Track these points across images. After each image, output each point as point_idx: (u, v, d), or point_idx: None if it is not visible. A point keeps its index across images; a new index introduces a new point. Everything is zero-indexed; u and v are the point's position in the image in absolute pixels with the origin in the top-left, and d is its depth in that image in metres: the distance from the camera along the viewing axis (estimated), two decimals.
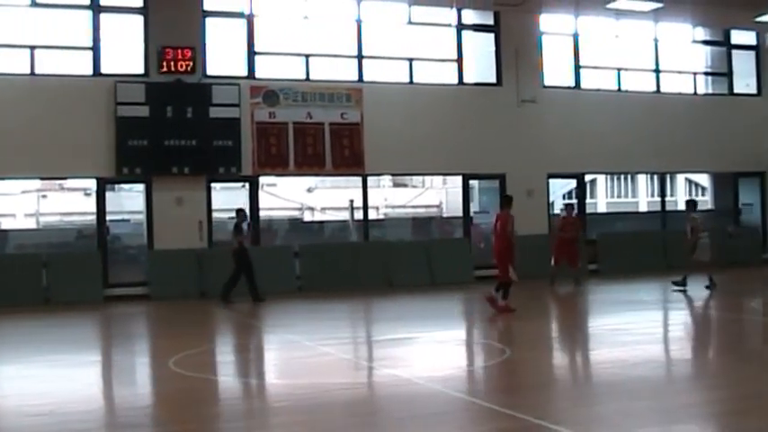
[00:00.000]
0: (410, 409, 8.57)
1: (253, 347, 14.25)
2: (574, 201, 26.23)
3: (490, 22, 24.46)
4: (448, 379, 10.15)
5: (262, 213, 22.68)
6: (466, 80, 24.17)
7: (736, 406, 8.45)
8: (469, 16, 24.35)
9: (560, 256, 21.69)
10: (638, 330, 14.38)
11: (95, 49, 20.92)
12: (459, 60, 24.11)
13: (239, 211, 20.16)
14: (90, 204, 21.84)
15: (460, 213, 24.54)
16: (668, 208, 28.60)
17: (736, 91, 28.20)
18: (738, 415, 8.12)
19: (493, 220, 17.03)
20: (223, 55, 22.04)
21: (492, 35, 24.49)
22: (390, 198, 36.02)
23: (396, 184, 37.83)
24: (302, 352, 12.81)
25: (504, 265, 16.24)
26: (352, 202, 27.98)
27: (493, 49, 24.46)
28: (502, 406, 8.47)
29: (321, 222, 32.32)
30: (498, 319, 15.63)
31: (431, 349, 12.99)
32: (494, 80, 24.42)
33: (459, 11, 23.79)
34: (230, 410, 9.20)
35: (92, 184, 21.67)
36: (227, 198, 24.26)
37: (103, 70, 20.88)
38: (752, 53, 28.47)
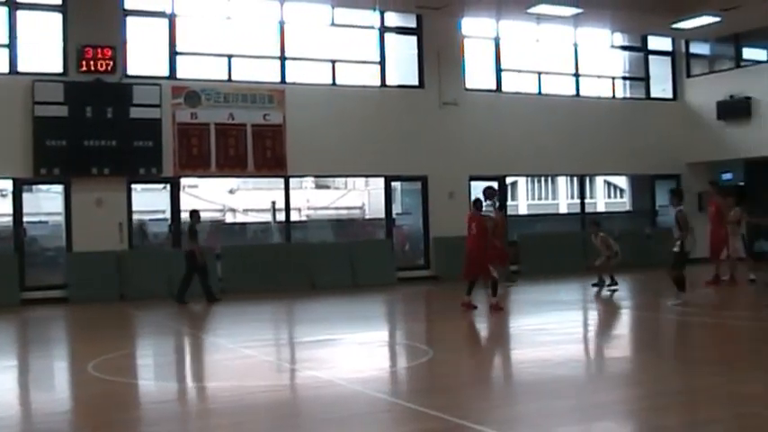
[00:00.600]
0: (332, 411, 8.56)
1: (174, 350, 14.11)
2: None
3: (413, 24, 24.58)
4: (370, 380, 10.17)
5: (183, 215, 22.48)
6: (388, 82, 24.27)
7: (655, 403, 8.58)
8: (392, 19, 24.47)
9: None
10: (559, 330, 14.57)
11: (12, 46, 20.53)
12: (382, 63, 24.20)
13: (194, 213, 20.01)
14: (6, 206, 21.37)
15: (383, 215, 24.63)
16: (587, 210, 29.03)
17: (652, 95, 28.82)
18: (656, 411, 8.25)
19: (466, 221, 17.10)
20: (144, 55, 21.79)
21: (414, 38, 24.64)
22: (313, 200, 35.98)
23: (318, 186, 37.80)
24: (224, 354, 12.72)
25: (485, 265, 16.38)
26: (274, 203, 27.91)
27: (415, 51, 24.61)
28: (424, 406, 8.49)
29: (243, 224, 32.19)
30: (419, 319, 15.70)
31: (353, 350, 12.99)
32: (416, 82, 24.57)
33: (381, 13, 23.87)
34: (151, 414, 9.08)
35: (8, 185, 21.19)
36: (148, 199, 24.01)
37: (20, 69, 20.51)
38: (668, 59, 29.11)
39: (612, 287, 19.66)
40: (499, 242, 16.67)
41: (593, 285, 19.93)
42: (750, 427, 7.68)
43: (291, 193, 23.66)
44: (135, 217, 21.63)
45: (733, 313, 16.35)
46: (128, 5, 21.54)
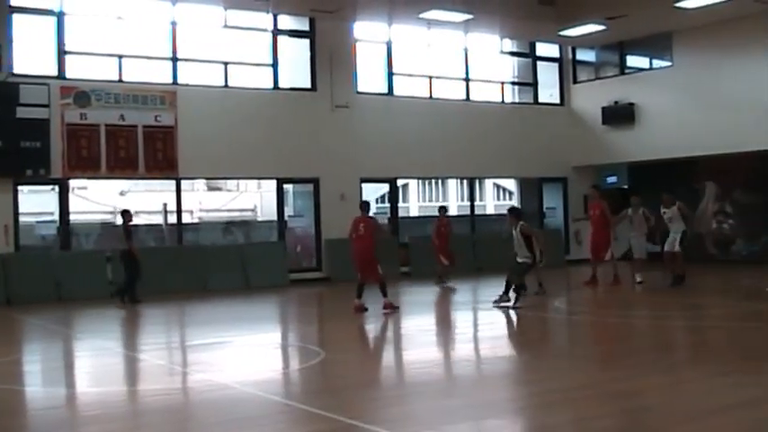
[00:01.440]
0: (225, 414, 8.55)
1: (63, 356, 13.86)
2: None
3: (305, 27, 24.62)
4: (263, 382, 10.20)
5: (72, 217, 22.14)
6: (281, 85, 24.25)
7: (544, 400, 8.82)
8: (285, 22, 24.46)
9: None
10: (450, 330, 14.83)
11: None
12: (275, 65, 24.19)
13: (125, 212, 19.72)
14: None
15: (275, 217, 24.62)
16: (477, 212, 29.50)
17: (540, 100, 29.44)
18: (544, 409, 8.49)
19: (353, 224, 17.17)
20: (32, 53, 21.30)
21: (307, 41, 24.67)
22: (205, 202, 35.72)
23: (210, 188, 37.56)
24: (115, 359, 12.61)
25: (374, 266, 16.62)
26: (165, 205, 27.61)
27: (308, 54, 24.65)
28: (317, 408, 8.57)
29: (134, 226, 31.67)
30: (311, 321, 15.76)
31: (246, 353, 12.98)
32: (308, 85, 24.61)
33: (274, 16, 23.86)
34: (38, 422, 8.89)
35: None
36: (36, 201, 23.54)
37: None
38: (555, 65, 29.75)
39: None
40: (374, 242, 16.82)
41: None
42: (634, 421, 7.98)
43: (183, 195, 23.49)
44: (21, 219, 21.19)
45: (613, 312, 16.82)
46: (14, 2, 21.02)
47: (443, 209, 23.60)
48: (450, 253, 22.24)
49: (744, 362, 10.88)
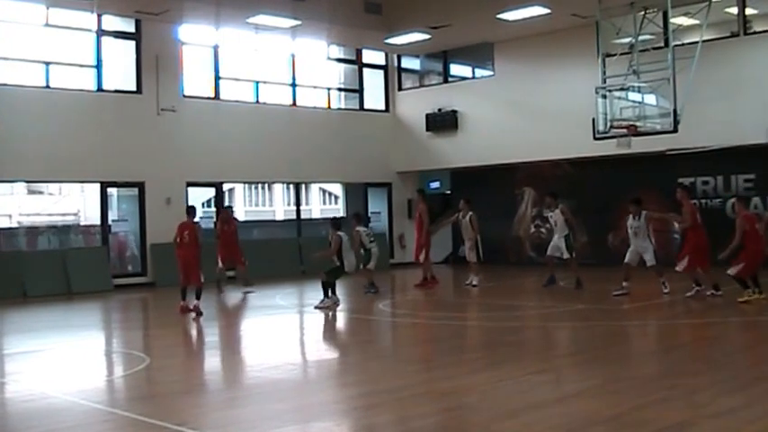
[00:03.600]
0: (46, 424, 8.35)
1: None
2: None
3: (131, 29, 24.20)
4: (85, 390, 9.98)
5: None
6: (105, 87, 23.74)
7: (369, 401, 9.01)
8: (110, 22, 23.95)
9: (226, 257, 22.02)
10: (275, 334, 14.90)
11: None
12: (98, 67, 23.67)
13: None
14: None
15: (99, 221, 24.11)
16: (303, 216, 29.65)
17: (366, 107, 29.81)
18: (370, 410, 8.67)
19: (178, 229, 17.23)
20: None
21: (133, 43, 24.27)
22: (25, 206, 34.61)
23: (30, 192, 36.39)
24: None
25: (196, 271, 16.80)
26: None
27: (133, 56, 24.26)
28: (141, 415, 8.49)
29: None
30: (136, 327, 15.56)
31: (68, 361, 12.65)
32: (134, 88, 24.21)
33: (99, 16, 23.34)
34: None
35: None
36: None
37: None
38: (381, 72, 30.20)
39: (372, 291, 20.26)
40: (197, 248, 17.02)
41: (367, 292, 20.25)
42: (455, 419, 8.24)
43: (1, 198, 22.73)
44: None
45: (436, 314, 17.25)
46: None
47: (230, 208, 23.84)
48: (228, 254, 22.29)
49: (559, 360, 11.40)
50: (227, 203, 27.10)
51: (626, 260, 17.95)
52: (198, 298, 16.75)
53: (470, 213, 20.82)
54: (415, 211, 22.10)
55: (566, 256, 19.69)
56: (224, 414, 8.74)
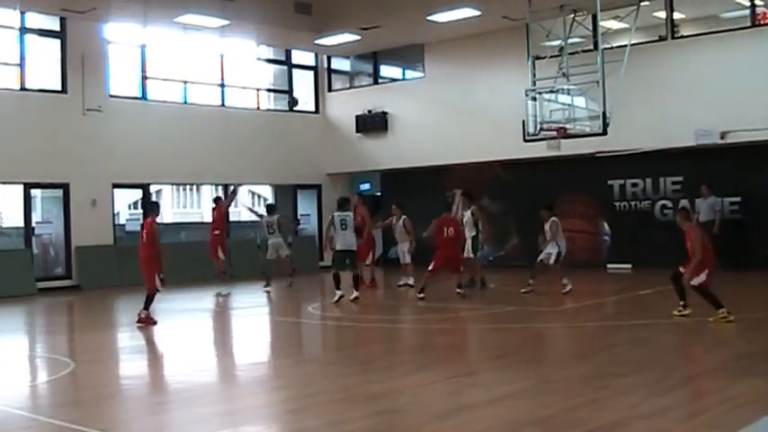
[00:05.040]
0: None
1: None
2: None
3: (56, 27, 23.75)
4: (7, 397, 9.75)
5: None
6: (28, 86, 23.26)
7: (297, 405, 8.91)
8: (34, 20, 23.45)
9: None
10: (202, 337, 14.72)
11: None
12: (22, 65, 23.17)
13: None
14: None
15: (22, 223, 23.59)
16: (232, 218, 29.32)
17: (296, 108, 29.64)
18: (299, 413, 8.59)
19: (139, 228, 16.50)
20: None
21: (58, 41, 23.82)
22: None
23: None
24: None
25: (150, 274, 15.59)
26: None
27: (58, 55, 23.81)
28: (66, 420, 8.30)
29: None
30: (60, 331, 15.23)
31: None
32: (58, 87, 23.76)
33: (22, 13, 22.82)
34: None
35: None
36: None
37: None
38: (311, 73, 30.08)
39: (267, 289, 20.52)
40: (154, 249, 16.55)
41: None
42: (386, 422, 8.16)
43: None
44: None
45: (367, 316, 17.20)
46: None
47: (220, 199, 23.53)
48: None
49: (489, 362, 11.39)
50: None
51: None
52: (146, 307, 15.61)
53: (404, 217, 20.87)
54: (356, 215, 21.99)
55: (470, 255, 19.78)
56: (151, 419, 8.59)
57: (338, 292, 17.68)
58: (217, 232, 21.78)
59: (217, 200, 23.40)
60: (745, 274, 21.08)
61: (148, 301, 15.58)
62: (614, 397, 8.84)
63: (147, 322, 15.47)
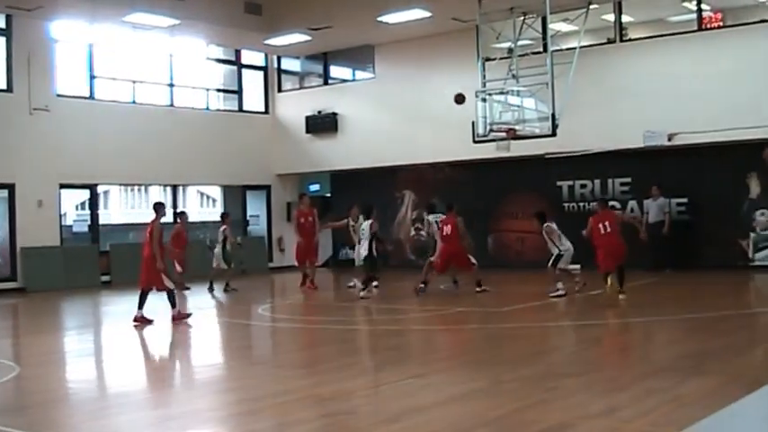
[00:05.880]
0: None
1: None
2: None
3: (2, 25, 23.38)
4: None
5: None
6: None
7: (248, 407, 8.83)
8: None
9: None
10: (151, 340, 14.56)
11: None
12: None
13: None
14: None
15: None
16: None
17: (246, 108, 29.51)
18: (248, 416, 8.50)
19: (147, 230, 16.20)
20: None
21: (3, 39, 23.46)
22: None
23: None
24: None
25: (155, 274, 15.53)
26: None
27: (4, 53, 23.45)
28: (10, 426, 8.11)
29: None
30: (5, 335, 14.98)
31: None
32: (4, 86, 23.42)
33: None
34: None
35: None
36: None
37: None
38: (260, 73, 29.95)
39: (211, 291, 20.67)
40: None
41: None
42: (336, 424, 8.11)
43: None
44: None
45: (316, 318, 17.15)
46: None
47: (183, 214, 23.12)
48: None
49: (439, 363, 11.38)
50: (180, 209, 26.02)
51: None
52: (140, 307, 15.64)
53: (360, 218, 20.76)
54: (301, 215, 21.94)
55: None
56: (98, 424, 8.46)
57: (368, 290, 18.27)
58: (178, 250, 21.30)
59: (181, 214, 23.01)
60: (692, 275, 21.33)
61: (171, 298, 15.68)
62: (564, 397, 8.87)
63: (180, 318, 15.64)
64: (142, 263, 15.80)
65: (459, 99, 19.85)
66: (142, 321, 15.50)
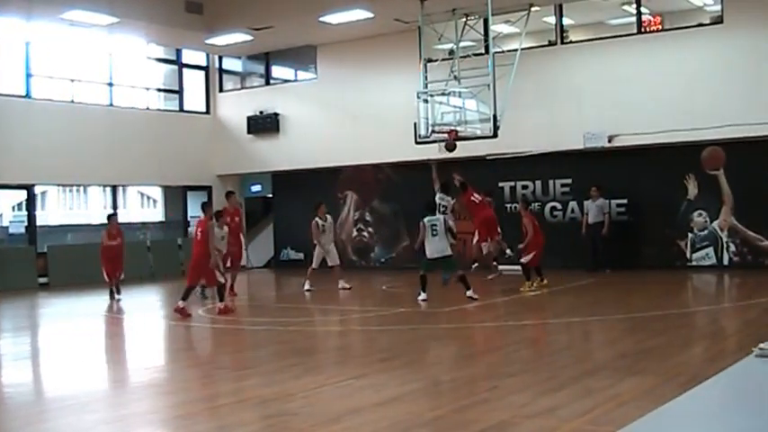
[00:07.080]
0: None
1: None
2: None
3: None
4: None
5: None
6: None
7: (187, 410, 8.76)
8: None
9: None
10: (89, 342, 14.38)
11: None
12: None
13: None
14: None
15: None
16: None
17: (186, 108, 29.29)
18: (189, 418, 8.43)
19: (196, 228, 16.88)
20: None
21: None
22: None
23: None
24: None
25: (207, 270, 16.50)
26: None
27: None
28: None
29: None
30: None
31: None
32: None
33: None
34: None
35: None
36: None
37: None
38: (202, 73, 29.74)
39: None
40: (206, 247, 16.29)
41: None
42: (277, 426, 8.04)
43: None
44: None
45: (255, 319, 17.07)
46: None
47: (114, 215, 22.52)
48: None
49: (379, 364, 11.37)
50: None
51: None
52: (221, 299, 16.75)
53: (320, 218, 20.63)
54: (228, 216, 20.90)
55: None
56: (35, 428, 8.33)
57: (423, 294, 17.26)
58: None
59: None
60: (632, 275, 21.58)
61: (221, 293, 16.83)
62: (504, 397, 8.90)
63: (183, 314, 16.25)
64: (192, 260, 16.99)
65: (450, 147, 19.92)
66: (182, 313, 16.22)
